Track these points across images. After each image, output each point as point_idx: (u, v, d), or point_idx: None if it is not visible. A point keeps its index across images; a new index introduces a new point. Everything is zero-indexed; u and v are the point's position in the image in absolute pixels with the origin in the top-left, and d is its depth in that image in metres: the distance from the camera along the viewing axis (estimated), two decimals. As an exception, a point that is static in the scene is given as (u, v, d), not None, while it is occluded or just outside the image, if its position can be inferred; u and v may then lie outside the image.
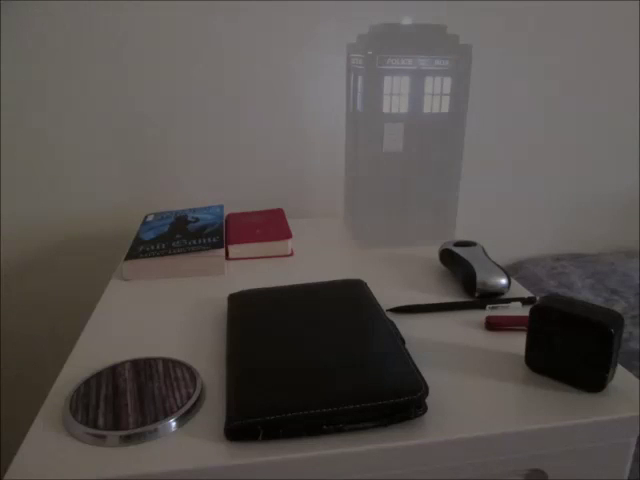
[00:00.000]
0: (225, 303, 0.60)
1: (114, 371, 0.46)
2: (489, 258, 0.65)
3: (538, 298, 0.59)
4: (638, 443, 0.45)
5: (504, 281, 0.61)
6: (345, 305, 0.55)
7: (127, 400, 0.42)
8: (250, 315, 0.54)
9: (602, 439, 0.43)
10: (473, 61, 0.71)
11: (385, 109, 0.72)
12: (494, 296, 0.61)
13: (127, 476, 0.37)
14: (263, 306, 0.55)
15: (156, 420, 0.40)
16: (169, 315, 0.59)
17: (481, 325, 0.56)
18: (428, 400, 0.42)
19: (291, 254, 0.76)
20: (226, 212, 0.88)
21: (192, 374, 0.46)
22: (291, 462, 0.38)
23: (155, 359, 0.48)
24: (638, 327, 0.87)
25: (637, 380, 0.46)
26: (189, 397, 0.43)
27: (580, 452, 0.43)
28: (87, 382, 0.45)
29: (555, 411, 0.42)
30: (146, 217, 0.84)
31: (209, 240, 0.72)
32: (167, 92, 0.92)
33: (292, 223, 0.85)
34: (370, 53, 0.69)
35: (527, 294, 0.62)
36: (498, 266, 0.63)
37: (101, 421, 0.40)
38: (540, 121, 1.08)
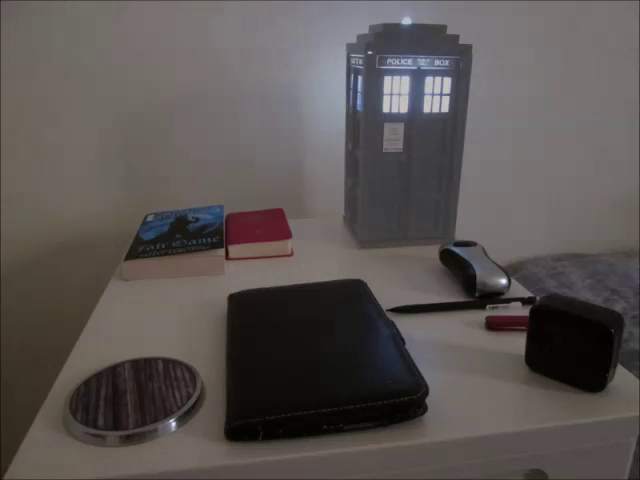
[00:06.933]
0: (225, 303, 0.60)
1: (114, 371, 0.46)
2: (489, 258, 0.65)
3: (538, 298, 0.59)
4: (638, 443, 0.45)
5: (504, 281, 0.61)
6: (345, 305, 0.55)
7: (127, 400, 0.42)
8: (250, 315, 0.54)
9: (602, 439, 0.43)
10: (473, 61, 0.71)
11: (385, 109, 0.72)
12: (494, 296, 0.61)
13: (127, 476, 0.37)
14: (263, 306, 0.55)
15: (156, 420, 0.40)
16: (169, 315, 0.59)
17: (481, 325, 0.56)
18: (428, 400, 0.42)
19: (291, 254, 0.76)
20: (226, 212, 0.88)
21: (192, 374, 0.46)
22: (291, 462, 0.38)
23: (155, 359, 0.48)
24: (638, 327, 0.87)
25: (637, 380, 0.46)
26: (189, 397, 0.43)
27: (580, 452, 0.43)
28: (87, 382, 0.45)
29: (555, 411, 0.42)
30: (146, 217, 0.84)
31: (209, 240, 0.72)
32: (167, 92, 0.92)
33: (292, 223, 0.85)
34: (370, 53, 0.69)
35: (527, 294, 0.62)
36: (498, 266, 0.63)
37: (101, 421, 0.40)
38: (540, 121, 1.08)
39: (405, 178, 0.76)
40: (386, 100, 0.71)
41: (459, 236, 0.82)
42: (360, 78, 0.74)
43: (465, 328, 0.55)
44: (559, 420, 0.41)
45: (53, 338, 1.02)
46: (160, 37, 0.89)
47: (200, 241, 0.72)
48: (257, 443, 0.39)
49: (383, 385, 0.41)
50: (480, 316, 0.57)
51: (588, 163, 1.14)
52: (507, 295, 0.62)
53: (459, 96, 0.73)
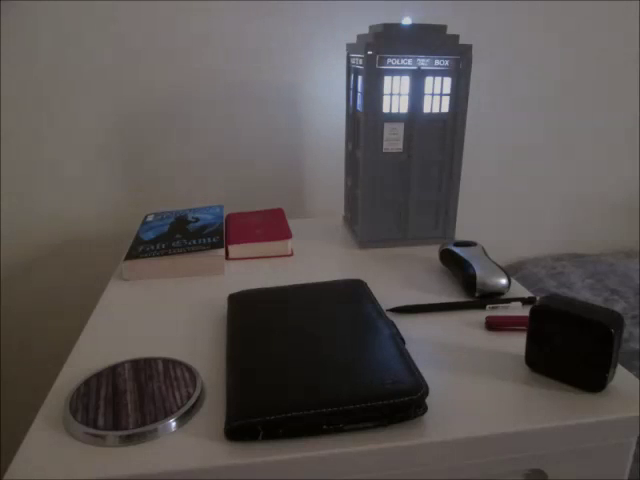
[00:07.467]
0: (225, 303, 0.60)
1: (114, 371, 0.46)
2: (489, 258, 0.65)
3: (538, 298, 0.59)
4: (638, 443, 0.45)
5: (504, 281, 0.61)
6: (345, 305, 0.55)
7: (127, 400, 0.42)
8: (250, 315, 0.54)
9: (602, 439, 0.43)
10: (473, 61, 0.71)
11: (385, 109, 0.72)
12: (494, 296, 0.61)
13: (127, 476, 0.37)
14: (263, 306, 0.55)
15: (156, 420, 0.40)
16: (169, 315, 0.59)
17: (481, 325, 0.56)
18: (428, 400, 0.42)
19: (291, 254, 0.76)
20: (226, 212, 0.88)
21: (192, 374, 0.46)
22: (291, 462, 0.38)
23: (155, 359, 0.48)
24: (638, 327, 0.87)
25: (637, 380, 0.46)
26: (189, 397, 0.43)
27: (580, 452, 0.43)
28: (87, 382, 0.45)
29: (555, 411, 0.42)
30: (146, 217, 0.84)
31: (209, 240, 0.72)
32: (166, 92, 0.92)
33: (292, 223, 0.85)
34: (370, 53, 0.69)
35: (527, 294, 0.62)
36: (498, 266, 0.63)
37: (101, 421, 0.40)
38: (540, 121, 1.08)
39: (405, 178, 0.76)
40: (386, 100, 0.71)
41: (459, 236, 0.82)
42: (360, 78, 0.74)
43: (465, 328, 0.55)
44: (559, 420, 0.41)
45: (53, 338, 1.02)
46: (160, 37, 0.89)
47: (200, 241, 0.72)
48: (257, 443, 0.39)
49: (383, 385, 0.41)
50: (480, 316, 0.57)
51: (588, 163, 1.14)
52: (507, 295, 0.62)
53: (459, 96, 0.73)
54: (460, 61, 0.71)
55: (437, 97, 0.72)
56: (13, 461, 0.38)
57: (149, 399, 0.42)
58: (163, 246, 0.70)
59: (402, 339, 0.50)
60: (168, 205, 0.97)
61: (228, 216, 0.86)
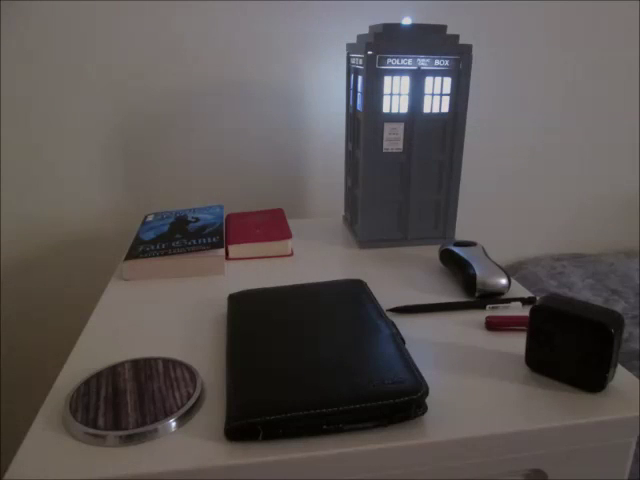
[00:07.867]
0: (225, 303, 0.60)
1: (114, 371, 0.46)
2: (489, 258, 0.65)
3: (538, 298, 0.59)
4: (638, 443, 0.45)
5: (504, 281, 0.61)
6: (345, 305, 0.55)
7: (127, 400, 0.42)
8: (250, 315, 0.54)
9: (602, 439, 0.43)
10: (473, 61, 0.71)
11: (385, 109, 0.72)
12: (494, 296, 0.61)
13: (127, 476, 0.37)
14: (263, 306, 0.55)
15: (156, 420, 0.40)
16: (169, 315, 0.59)
17: (481, 325, 0.56)
18: (428, 400, 0.42)
19: (291, 254, 0.76)
20: (226, 212, 0.88)
21: (192, 374, 0.46)
22: (291, 462, 0.38)
23: (155, 359, 0.48)
24: (638, 327, 0.87)
25: (637, 380, 0.46)
26: (189, 397, 0.43)
27: (580, 452, 0.43)
28: (87, 382, 0.45)
29: (555, 411, 0.42)
30: (146, 217, 0.84)
31: (209, 240, 0.72)
32: (167, 93, 0.92)
33: (292, 223, 0.85)
34: (370, 53, 0.69)
35: (527, 294, 0.62)
36: (498, 266, 0.63)
37: (101, 421, 0.40)
38: (540, 121, 1.08)
39: (405, 178, 0.76)
40: (386, 100, 0.71)
41: (459, 236, 0.82)
42: (360, 78, 0.74)
43: (465, 328, 0.55)
44: (559, 420, 0.41)
45: (53, 338, 1.02)
46: (160, 37, 0.89)
47: (200, 241, 0.72)
48: (257, 443, 0.39)
49: (383, 385, 0.41)
50: (480, 316, 0.57)
51: (588, 163, 1.14)
52: (507, 295, 0.62)
53: (459, 96, 0.73)
54: (460, 61, 0.71)
55: (437, 97, 0.72)
56: (13, 461, 0.38)
57: (149, 399, 0.42)
58: (163, 246, 0.70)
59: (402, 339, 0.49)
60: (168, 205, 0.97)
61: (228, 216, 0.86)
